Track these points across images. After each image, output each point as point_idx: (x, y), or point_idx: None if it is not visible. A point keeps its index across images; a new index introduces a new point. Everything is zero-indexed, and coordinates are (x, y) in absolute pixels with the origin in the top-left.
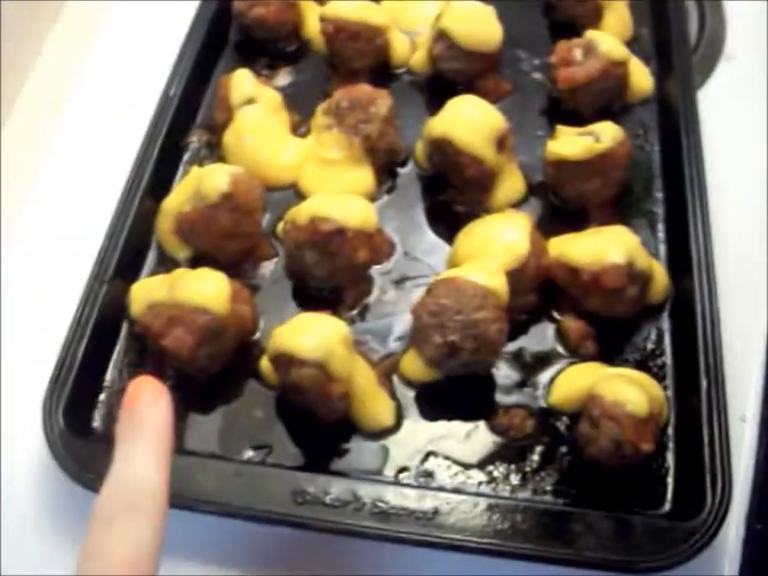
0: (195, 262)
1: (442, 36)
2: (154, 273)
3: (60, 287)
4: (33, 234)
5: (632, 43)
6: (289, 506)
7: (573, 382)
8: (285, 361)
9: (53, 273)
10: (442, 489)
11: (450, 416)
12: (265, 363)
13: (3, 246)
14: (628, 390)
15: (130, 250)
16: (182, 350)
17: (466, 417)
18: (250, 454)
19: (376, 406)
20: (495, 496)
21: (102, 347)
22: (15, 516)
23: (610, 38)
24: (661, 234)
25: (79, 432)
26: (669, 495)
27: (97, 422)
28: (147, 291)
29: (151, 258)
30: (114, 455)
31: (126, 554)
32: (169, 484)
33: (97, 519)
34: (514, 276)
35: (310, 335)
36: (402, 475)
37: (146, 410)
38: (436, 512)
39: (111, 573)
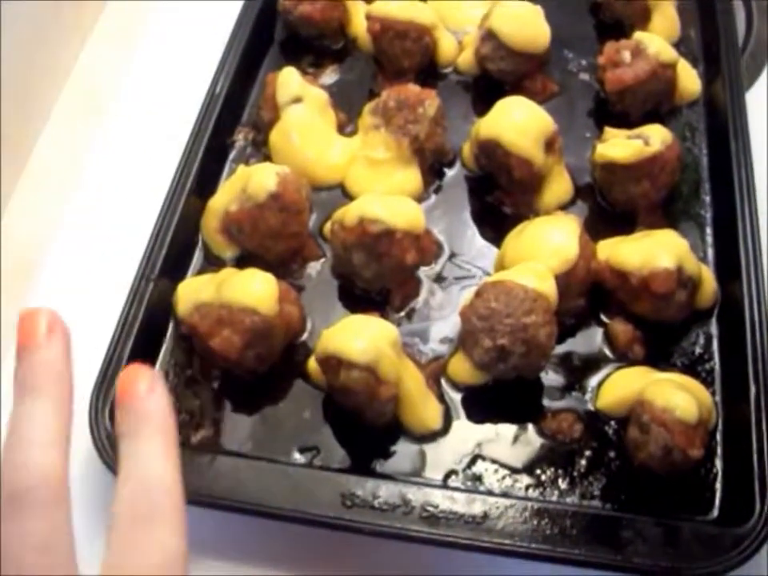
0: (242, 262)
1: (489, 36)
2: (200, 272)
3: (106, 286)
4: (79, 233)
5: (679, 44)
6: (338, 510)
7: (621, 386)
8: (334, 363)
9: (99, 272)
10: (490, 493)
11: (497, 419)
12: (312, 364)
13: (51, 246)
14: (678, 396)
15: (176, 248)
16: (229, 351)
17: (514, 420)
18: (297, 455)
19: (424, 409)
20: (544, 500)
21: (148, 347)
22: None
23: (658, 39)
24: (709, 238)
25: None
26: (717, 501)
27: None
28: (194, 291)
29: (197, 257)
30: (119, 452)
31: (154, 562)
32: (180, 476)
33: (115, 529)
34: (563, 279)
35: (359, 338)
36: (449, 479)
37: (143, 401)
38: (485, 516)
39: None
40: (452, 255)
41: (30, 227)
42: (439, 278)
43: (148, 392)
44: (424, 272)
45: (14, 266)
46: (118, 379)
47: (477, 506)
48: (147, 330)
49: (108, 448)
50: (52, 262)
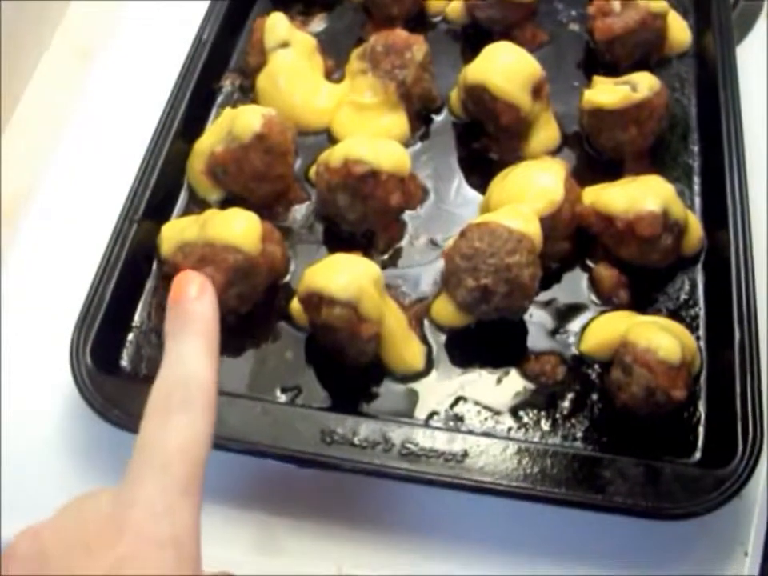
0: (227, 204)
1: None
2: (185, 214)
3: (90, 227)
4: (64, 174)
5: None
6: (317, 446)
7: (605, 329)
8: (315, 300)
9: (83, 212)
10: (471, 432)
11: (480, 362)
12: (295, 305)
13: (37, 187)
14: (661, 337)
15: (160, 190)
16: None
17: (497, 363)
18: (279, 395)
19: (406, 350)
20: (525, 440)
21: (131, 287)
22: (43, 453)
23: None
24: (696, 187)
25: (107, 370)
26: (700, 444)
27: (125, 361)
28: (178, 231)
29: (182, 199)
30: (164, 351)
31: (179, 443)
32: (217, 376)
33: (150, 413)
34: (548, 222)
35: (341, 275)
36: (431, 420)
37: (191, 305)
38: (465, 454)
39: (165, 460)
40: (437, 200)
41: (17, 170)
42: (424, 222)
43: (198, 296)
44: (409, 216)
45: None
46: (172, 282)
47: (457, 444)
48: (130, 270)
49: (89, 385)
50: (38, 203)
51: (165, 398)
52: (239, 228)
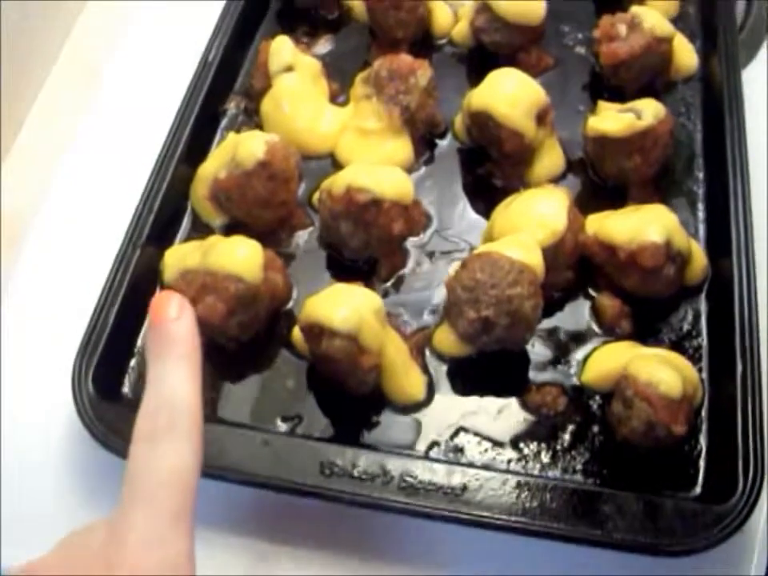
0: (230, 230)
1: (484, 8)
2: (188, 239)
3: (93, 251)
4: (67, 197)
5: (677, 20)
6: (316, 478)
7: (607, 360)
8: (316, 331)
9: (87, 236)
10: (471, 465)
11: (481, 392)
12: (296, 333)
13: (40, 210)
14: (662, 370)
15: (164, 215)
16: (213, 318)
17: (498, 393)
18: (280, 423)
19: (407, 380)
20: (525, 474)
21: (134, 313)
22: (45, 480)
23: (655, 13)
24: (700, 214)
25: (109, 397)
26: (700, 478)
27: (127, 388)
28: (180, 257)
29: (186, 224)
30: (147, 373)
31: (167, 472)
32: (200, 397)
33: (138, 439)
34: (551, 252)
35: (342, 306)
36: (431, 451)
37: (171, 326)
38: (464, 488)
39: (154, 490)
40: (441, 227)
41: (19, 192)
42: (427, 249)
43: (177, 317)
44: (412, 243)
45: (2, 231)
46: (150, 304)
47: (456, 477)
48: (133, 295)
49: (91, 414)
50: (40, 227)
51: (150, 423)
52: (241, 257)
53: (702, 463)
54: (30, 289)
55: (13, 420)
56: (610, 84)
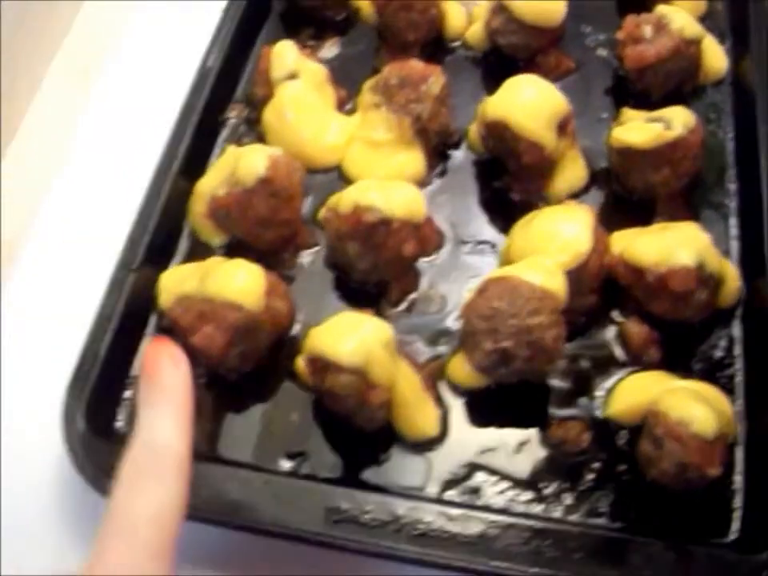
0: (230, 249)
1: (500, 8)
2: (186, 260)
3: (85, 275)
4: (57, 218)
5: (705, 19)
6: (323, 525)
7: (634, 393)
8: (321, 365)
9: (77, 259)
10: (488, 508)
11: (499, 426)
12: (301, 363)
13: (28, 230)
14: (694, 407)
15: (160, 234)
16: (211, 348)
17: (517, 427)
18: (283, 461)
19: (420, 415)
20: (546, 519)
21: (128, 341)
22: (34, 521)
23: (682, 13)
24: (733, 230)
25: (101, 433)
26: (736, 523)
27: (120, 422)
28: (178, 281)
29: (183, 243)
30: (136, 421)
31: (148, 510)
32: (191, 448)
33: (120, 482)
34: (574, 275)
35: (348, 338)
36: (446, 492)
37: (166, 375)
38: (482, 536)
39: (134, 525)
40: (455, 245)
41: (10, 209)
42: (440, 270)
43: (170, 367)
44: (424, 262)
45: None
46: (143, 352)
47: (473, 524)
48: (127, 322)
49: (81, 452)
50: (30, 248)
51: (135, 466)
52: (241, 283)
53: (737, 506)
54: (18, 315)
55: (2, 458)
56: (635, 89)
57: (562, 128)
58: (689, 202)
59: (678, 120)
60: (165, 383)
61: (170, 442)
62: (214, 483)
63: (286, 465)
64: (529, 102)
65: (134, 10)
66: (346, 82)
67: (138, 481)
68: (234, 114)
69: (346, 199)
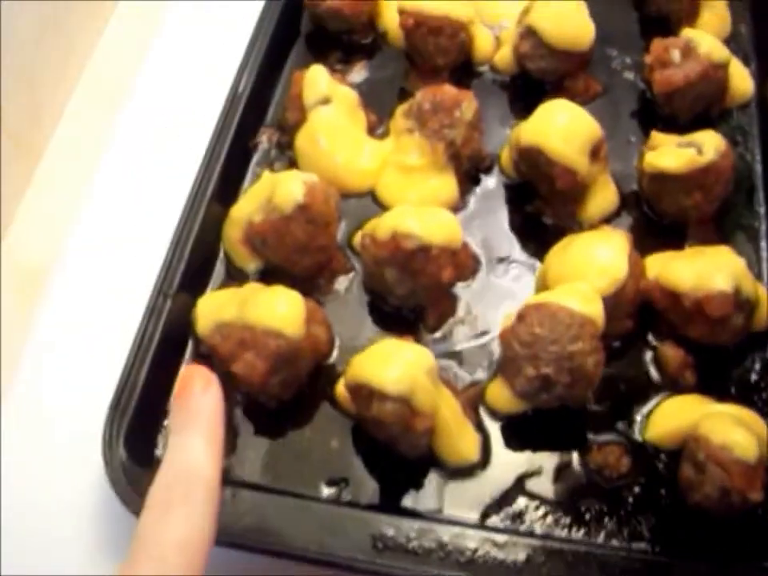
0: (266, 275)
1: (529, 33)
2: (221, 286)
3: (121, 303)
4: (91, 244)
5: (729, 41)
6: (368, 553)
7: (673, 417)
8: (365, 393)
9: (113, 287)
10: (531, 534)
11: (538, 451)
12: (340, 389)
13: (61, 258)
14: (736, 432)
15: (196, 260)
16: (252, 376)
17: (557, 452)
18: (324, 488)
19: (461, 441)
20: (589, 543)
21: (166, 368)
22: (74, 547)
23: (710, 37)
24: (764, 253)
25: (142, 461)
26: None
27: (160, 450)
28: (215, 308)
29: (218, 269)
30: (167, 445)
31: (177, 538)
32: (221, 472)
33: (150, 507)
34: (611, 301)
35: (393, 366)
36: (489, 518)
37: (197, 399)
38: (527, 561)
39: (162, 550)
40: (490, 269)
41: (39, 236)
42: (477, 294)
43: (202, 392)
44: (461, 287)
45: (20, 279)
46: (179, 375)
47: (519, 550)
48: (164, 350)
49: (123, 480)
50: (62, 276)
51: (165, 491)
52: (282, 311)
53: None
54: (52, 345)
55: (41, 485)
56: (663, 112)
57: (595, 153)
58: (719, 226)
59: (710, 145)
60: (196, 407)
61: (200, 467)
62: (256, 510)
63: (328, 491)
64: (563, 128)
65: (158, 34)
66: (376, 105)
67: (167, 506)
68: (264, 139)
69: (383, 226)
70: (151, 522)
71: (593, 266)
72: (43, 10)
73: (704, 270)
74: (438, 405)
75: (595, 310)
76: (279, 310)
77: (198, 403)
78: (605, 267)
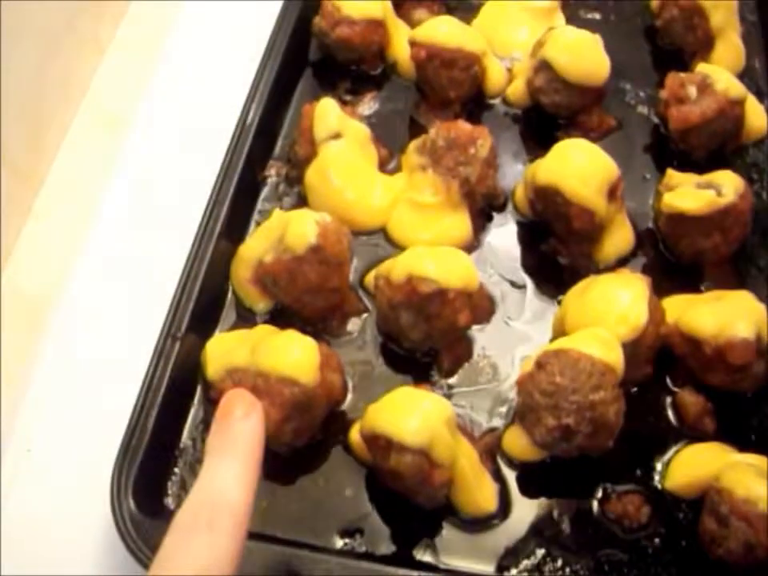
0: (276, 315)
1: (543, 66)
2: (230, 327)
3: (127, 345)
4: (94, 278)
5: (743, 77)
6: None
7: (693, 465)
8: (382, 443)
9: (118, 327)
10: None
11: (556, 500)
12: (355, 436)
13: (62, 297)
14: (760, 485)
15: (204, 300)
16: (266, 424)
17: (575, 502)
18: (337, 539)
19: (479, 491)
20: None
21: (175, 413)
22: None
23: (727, 73)
24: None
25: (151, 511)
26: None
27: (170, 498)
28: (225, 351)
29: (226, 309)
30: (202, 467)
31: (196, 567)
32: (252, 500)
33: (175, 530)
34: (630, 347)
35: (411, 417)
36: (506, 572)
37: (237, 424)
38: None
39: (189, 571)
40: (505, 312)
41: (40, 267)
42: (492, 338)
43: (244, 416)
44: (476, 330)
45: (20, 318)
46: (222, 398)
47: None
48: (173, 394)
49: (132, 532)
50: (63, 316)
51: (191, 516)
52: (296, 357)
53: None
54: (56, 390)
55: (48, 536)
56: (678, 148)
57: (612, 193)
58: (736, 266)
59: (729, 186)
60: (235, 432)
61: (231, 494)
62: (266, 562)
63: (341, 542)
64: (580, 168)
65: (162, 60)
66: (386, 138)
67: (190, 531)
68: (273, 173)
69: (398, 268)
70: (173, 546)
71: (613, 311)
72: (43, 38)
73: (725, 317)
74: (456, 455)
75: (616, 357)
76: (293, 356)
77: (237, 428)
78: (625, 313)
